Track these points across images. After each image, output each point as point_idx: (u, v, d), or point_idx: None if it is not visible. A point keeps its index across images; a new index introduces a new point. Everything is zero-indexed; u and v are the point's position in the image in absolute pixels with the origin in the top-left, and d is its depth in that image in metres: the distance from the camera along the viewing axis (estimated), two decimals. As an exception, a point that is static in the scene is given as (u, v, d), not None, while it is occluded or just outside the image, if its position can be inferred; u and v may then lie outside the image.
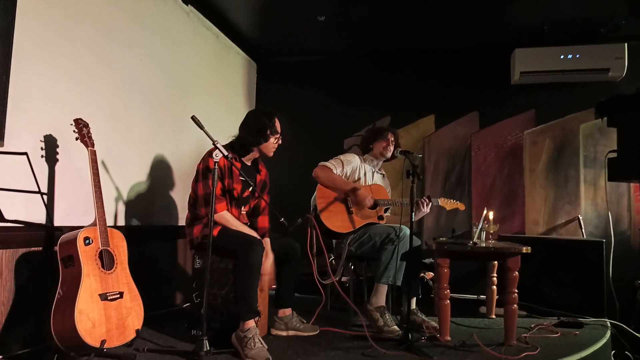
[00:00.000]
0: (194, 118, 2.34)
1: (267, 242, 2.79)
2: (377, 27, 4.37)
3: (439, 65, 4.77)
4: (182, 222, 3.70)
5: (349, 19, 4.22)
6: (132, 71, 3.24)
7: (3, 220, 1.47)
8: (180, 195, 3.73)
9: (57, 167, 2.52)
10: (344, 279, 4.23)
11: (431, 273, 4.37)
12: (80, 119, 2.35)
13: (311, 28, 4.41)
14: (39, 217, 2.47)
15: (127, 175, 3.21)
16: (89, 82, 2.84)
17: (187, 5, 3.83)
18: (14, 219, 1.74)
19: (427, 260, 4.43)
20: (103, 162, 2.92)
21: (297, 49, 4.98)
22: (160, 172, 3.56)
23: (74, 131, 2.31)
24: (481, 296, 4.18)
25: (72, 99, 2.69)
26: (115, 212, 3.07)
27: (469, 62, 4.68)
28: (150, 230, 3.43)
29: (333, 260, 3.56)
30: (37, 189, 1.65)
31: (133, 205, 3.24)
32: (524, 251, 2.73)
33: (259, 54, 5.07)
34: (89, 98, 2.83)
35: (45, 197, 1.77)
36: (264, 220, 2.93)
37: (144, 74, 3.37)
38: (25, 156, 1.64)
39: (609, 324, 3.42)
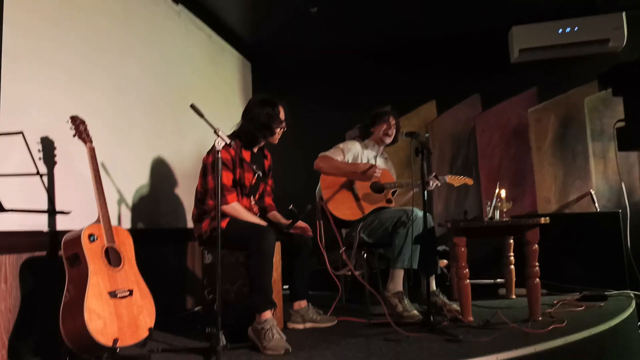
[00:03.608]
0: (193, 106, 2.27)
1: (275, 215, 2.89)
2: (371, 15, 4.31)
3: (437, 51, 4.71)
4: (189, 224, 3.63)
5: (342, 8, 4.17)
6: (127, 74, 3.17)
7: (2, 210, 1.40)
8: (185, 198, 3.66)
9: (56, 170, 2.45)
10: (356, 272, 4.14)
11: (445, 261, 4.28)
12: (77, 116, 2.28)
13: (304, 21, 4.35)
14: (42, 221, 2.40)
15: (129, 179, 3.13)
16: (84, 86, 2.77)
17: (177, 4, 3.78)
18: (14, 208, 1.66)
19: (440, 248, 4.34)
20: (103, 165, 2.84)
21: (291, 45, 4.92)
22: (163, 174, 3.49)
23: (71, 128, 2.24)
24: (498, 280, 4.09)
25: (68, 104, 2.60)
26: (118, 216, 3.00)
27: (467, 44, 4.61)
28: (156, 234, 3.35)
29: (344, 251, 3.47)
30: (37, 176, 1.57)
31: (137, 209, 3.17)
32: (542, 222, 2.65)
33: (253, 52, 5.02)
34: (85, 102, 2.75)
35: (44, 178, 1.69)
36: (269, 199, 2.98)
37: (139, 76, 3.30)
38: (21, 135, 1.56)
39: (632, 295, 3.33)
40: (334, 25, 4.48)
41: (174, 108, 3.66)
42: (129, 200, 3.11)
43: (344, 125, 4.85)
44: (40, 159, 2.33)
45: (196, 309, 3.65)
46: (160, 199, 3.45)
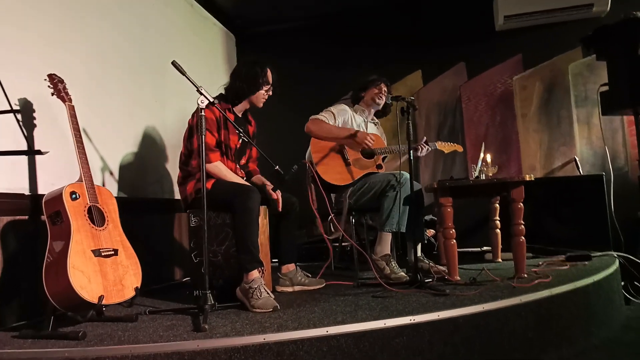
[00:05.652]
0: (174, 63, 2.24)
1: (260, 176, 2.85)
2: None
3: (422, 19, 4.68)
4: (174, 195, 3.60)
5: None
6: (106, 41, 3.10)
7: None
8: (169, 167, 3.62)
9: (36, 133, 2.40)
10: (344, 243, 4.16)
11: (432, 230, 4.31)
12: (54, 74, 2.23)
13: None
14: (22, 185, 2.36)
15: (112, 146, 3.08)
16: (62, 52, 2.70)
17: (157, -29, 3.70)
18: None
19: (427, 217, 4.37)
20: (85, 131, 2.79)
21: (274, 16, 4.85)
22: (147, 143, 3.44)
23: (49, 86, 2.19)
24: (485, 247, 4.14)
25: (44, 69, 2.53)
26: (102, 183, 2.95)
27: (451, 12, 4.58)
28: (142, 203, 3.31)
29: (333, 217, 3.47)
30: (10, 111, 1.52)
31: (121, 177, 3.12)
32: (527, 179, 2.66)
33: (237, 24, 4.95)
34: (62, 67, 2.68)
35: (19, 115, 1.64)
36: (253, 165, 2.97)
37: (119, 43, 3.23)
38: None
39: (616, 256, 3.38)
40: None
41: (155, 76, 3.59)
42: (113, 167, 3.07)
43: (331, 96, 4.80)
44: (19, 121, 2.27)
45: (185, 279, 3.63)
46: (145, 168, 3.41)
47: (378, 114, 3.54)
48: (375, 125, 3.51)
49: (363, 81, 3.45)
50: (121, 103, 3.22)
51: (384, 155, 3.32)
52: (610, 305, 2.72)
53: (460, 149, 3.39)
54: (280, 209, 2.71)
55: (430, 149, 3.28)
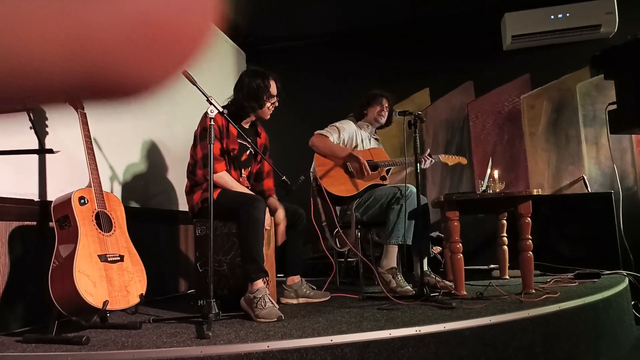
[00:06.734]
0: (185, 73, 2.26)
1: (274, 200, 2.75)
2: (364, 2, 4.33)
3: (430, 38, 4.73)
4: (181, 207, 3.61)
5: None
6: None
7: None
8: (177, 180, 3.64)
9: (47, 140, 2.43)
10: (349, 259, 4.14)
11: (438, 247, 4.28)
12: (68, 82, 2.26)
13: (299, 10, 4.36)
14: (31, 191, 2.38)
15: (121, 156, 3.13)
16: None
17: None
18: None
19: (434, 234, 4.34)
20: (95, 140, 2.82)
21: (285, 34, 4.94)
22: (155, 154, 3.48)
23: (62, 94, 2.22)
24: (492, 265, 4.09)
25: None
26: (110, 192, 2.97)
27: (460, 31, 4.64)
28: (149, 214, 3.33)
29: (339, 230, 3.46)
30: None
31: (129, 187, 3.15)
32: (535, 193, 2.65)
33: (248, 41, 5.02)
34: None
35: (32, 116, 1.67)
36: (269, 183, 2.89)
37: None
38: None
39: (625, 274, 3.34)
40: (328, 12, 4.49)
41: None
42: (121, 176, 3.10)
43: (339, 113, 4.83)
44: (30, 128, 2.31)
45: (189, 291, 3.62)
46: (152, 179, 3.44)
47: (379, 126, 3.55)
48: (377, 142, 3.54)
49: (365, 97, 3.48)
50: (132, 114, 3.26)
51: (387, 168, 3.33)
52: (620, 324, 2.68)
53: (464, 161, 3.40)
54: (278, 244, 2.69)
55: (434, 161, 3.29)
